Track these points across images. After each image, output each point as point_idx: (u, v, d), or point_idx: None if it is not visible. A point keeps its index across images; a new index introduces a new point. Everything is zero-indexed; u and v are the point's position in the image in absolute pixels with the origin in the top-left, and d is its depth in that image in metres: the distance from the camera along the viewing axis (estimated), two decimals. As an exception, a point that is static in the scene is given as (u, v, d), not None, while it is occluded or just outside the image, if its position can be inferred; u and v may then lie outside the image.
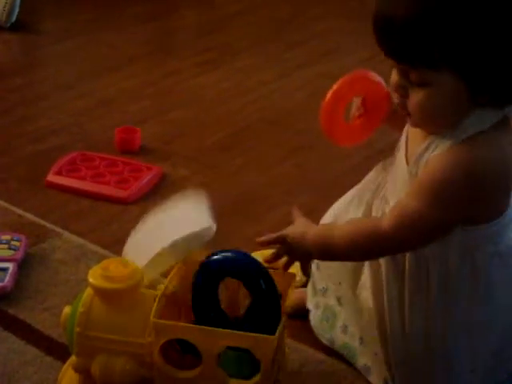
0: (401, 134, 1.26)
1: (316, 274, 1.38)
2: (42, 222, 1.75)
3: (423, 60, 1.09)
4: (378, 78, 1.28)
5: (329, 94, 1.29)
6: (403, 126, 1.25)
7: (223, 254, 1.19)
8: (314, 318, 1.39)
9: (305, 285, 1.45)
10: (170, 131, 2.18)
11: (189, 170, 1.99)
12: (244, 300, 1.22)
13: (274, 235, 1.27)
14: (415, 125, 1.18)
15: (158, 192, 1.89)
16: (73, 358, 1.21)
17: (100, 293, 1.18)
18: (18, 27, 2.82)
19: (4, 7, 2.76)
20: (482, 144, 1.12)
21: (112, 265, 1.19)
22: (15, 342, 1.41)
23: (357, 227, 1.21)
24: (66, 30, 2.87)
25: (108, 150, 2.04)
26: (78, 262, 1.61)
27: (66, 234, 1.70)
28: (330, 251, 1.22)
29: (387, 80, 1.21)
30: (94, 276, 1.18)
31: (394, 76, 1.15)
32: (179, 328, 1.15)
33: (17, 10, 2.80)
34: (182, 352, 1.20)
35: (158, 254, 1.18)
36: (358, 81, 1.30)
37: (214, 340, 1.13)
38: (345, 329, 1.35)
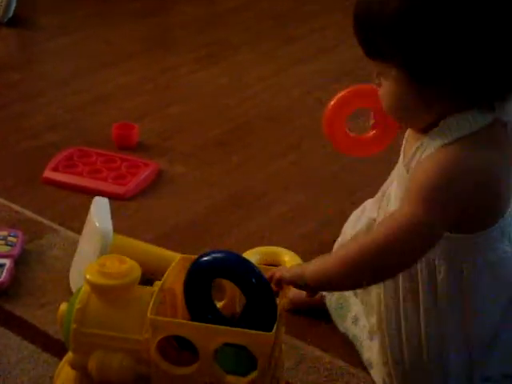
0: None
1: None
2: (39, 218, 1.74)
3: (374, 51, 1.11)
4: None
5: (332, 100, 1.30)
6: None
7: (213, 254, 1.18)
8: (330, 303, 1.39)
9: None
10: (168, 127, 2.18)
11: (186, 166, 1.99)
12: (242, 299, 1.21)
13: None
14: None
15: (156, 188, 1.89)
16: (69, 355, 1.21)
17: (97, 289, 1.18)
18: (15, 22, 2.82)
19: (1, 2, 2.76)
20: (467, 147, 1.09)
21: (109, 261, 1.18)
22: (11, 338, 1.40)
23: (347, 251, 1.16)
24: (63, 26, 2.87)
25: (105, 146, 2.03)
26: (74, 258, 1.61)
27: (63, 231, 1.70)
28: (332, 281, 1.17)
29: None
30: (91, 272, 1.17)
31: None
32: (176, 325, 1.15)
33: (14, 5, 2.79)
34: (178, 348, 1.20)
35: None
36: (364, 92, 1.30)
37: (210, 337, 1.12)
38: (356, 321, 1.35)
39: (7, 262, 1.55)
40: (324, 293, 1.40)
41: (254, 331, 1.12)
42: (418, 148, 1.15)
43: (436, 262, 1.16)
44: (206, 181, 1.92)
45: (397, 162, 1.25)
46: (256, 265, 1.19)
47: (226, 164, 2.01)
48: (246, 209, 1.82)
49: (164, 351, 1.17)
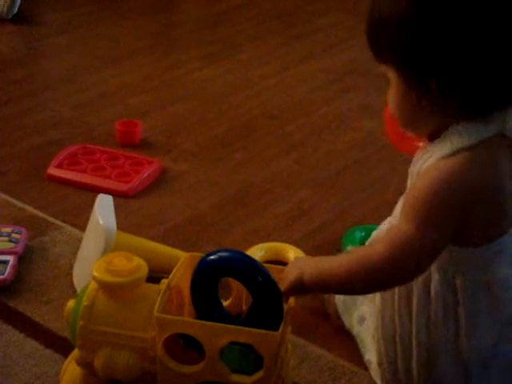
0: None
1: None
2: (43, 215, 1.74)
3: (379, 55, 1.12)
4: None
5: None
6: None
7: (220, 253, 1.18)
8: (339, 296, 1.39)
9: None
10: (171, 125, 2.18)
11: (189, 163, 1.99)
12: (248, 298, 1.21)
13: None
14: None
15: (159, 186, 1.89)
16: (75, 352, 1.21)
17: (104, 286, 1.18)
18: (19, 19, 2.82)
19: (5, -1, 2.77)
20: (464, 161, 1.08)
21: (116, 259, 1.19)
22: (15, 334, 1.40)
23: (350, 258, 1.16)
24: (67, 23, 2.87)
25: (109, 144, 2.03)
26: (78, 255, 1.61)
27: (67, 227, 1.70)
28: (328, 286, 1.19)
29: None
30: (99, 270, 1.18)
31: None
32: (182, 323, 1.15)
33: (19, 2, 2.80)
34: (185, 347, 1.20)
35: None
36: None
37: (217, 335, 1.13)
38: (361, 320, 1.35)
39: (11, 258, 1.55)
40: None
41: (260, 330, 1.12)
42: (421, 157, 1.15)
43: (431, 270, 1.15)
44: (209, 178, 1.92)
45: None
46: (263, 264, 1.19)
47: (230, 162, 2.00)
48: (249, 207, 1.82)
49: (170, 349, 1.17)
